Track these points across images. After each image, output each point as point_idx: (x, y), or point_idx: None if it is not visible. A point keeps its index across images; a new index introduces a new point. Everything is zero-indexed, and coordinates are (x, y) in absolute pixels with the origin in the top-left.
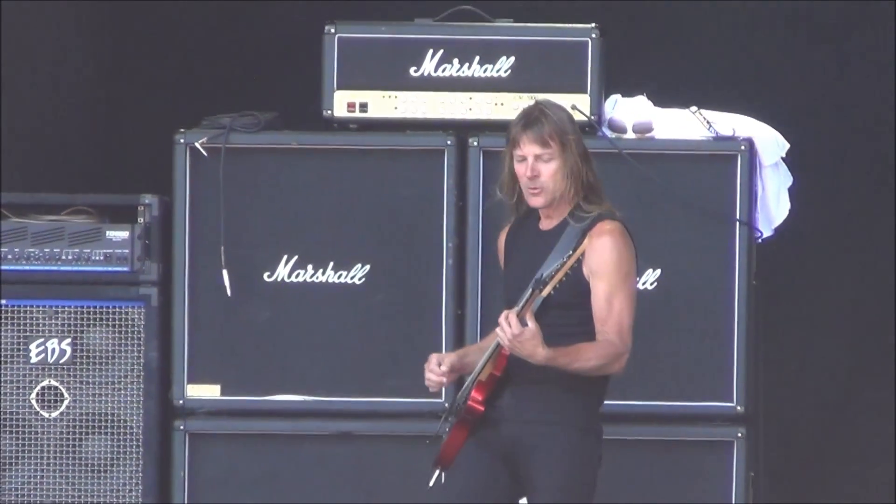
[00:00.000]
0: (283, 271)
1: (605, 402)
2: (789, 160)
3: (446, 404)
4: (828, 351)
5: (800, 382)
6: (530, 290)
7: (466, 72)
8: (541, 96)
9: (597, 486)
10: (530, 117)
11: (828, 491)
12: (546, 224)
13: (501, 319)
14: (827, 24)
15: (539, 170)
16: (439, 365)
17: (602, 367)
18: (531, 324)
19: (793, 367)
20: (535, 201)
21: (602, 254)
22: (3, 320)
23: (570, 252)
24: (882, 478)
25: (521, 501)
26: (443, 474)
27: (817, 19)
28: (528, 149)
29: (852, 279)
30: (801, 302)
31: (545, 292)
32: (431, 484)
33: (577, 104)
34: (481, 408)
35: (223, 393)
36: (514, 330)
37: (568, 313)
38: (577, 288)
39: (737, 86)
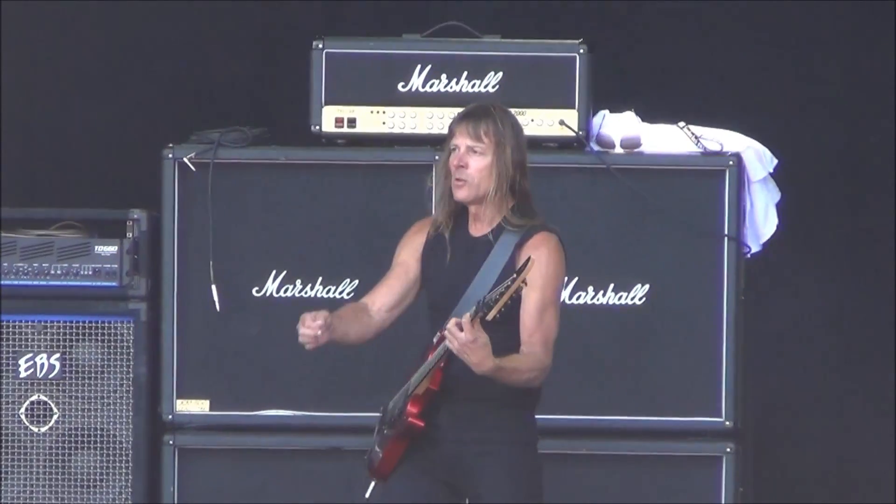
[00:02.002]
0: (271, 286)
1: (593, 416)
2: (777, 175)
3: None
4: (819, 364)
5: (790, 396)
6: (474, 310)
7: (454, 87)
8: (529, 112)
9: (543, 496)
10: (472, 112)
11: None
12: (477, 230)
13: (451, 326)
14: (826, 28)
15: (467, 161)
16: (314, 320)
17: (531, 380)
18: (481, 333)
19: (783, 381)
20: (458, 193)
21: (539, 266)
22: None
23: (515, 276)
24: (881, 485)
25: None
26: (375, 485)
27: (815, 26)
28: (461, 139)
29: (843, 293)
30: (789, 316)
31: (490, 315)
32: (368, 495)
33: (564, 119)
34: (421, 423)
35: (212, 408)
36: (468, 336)
37: (500, 328)
38: (512, 303)
39: (726, 100)
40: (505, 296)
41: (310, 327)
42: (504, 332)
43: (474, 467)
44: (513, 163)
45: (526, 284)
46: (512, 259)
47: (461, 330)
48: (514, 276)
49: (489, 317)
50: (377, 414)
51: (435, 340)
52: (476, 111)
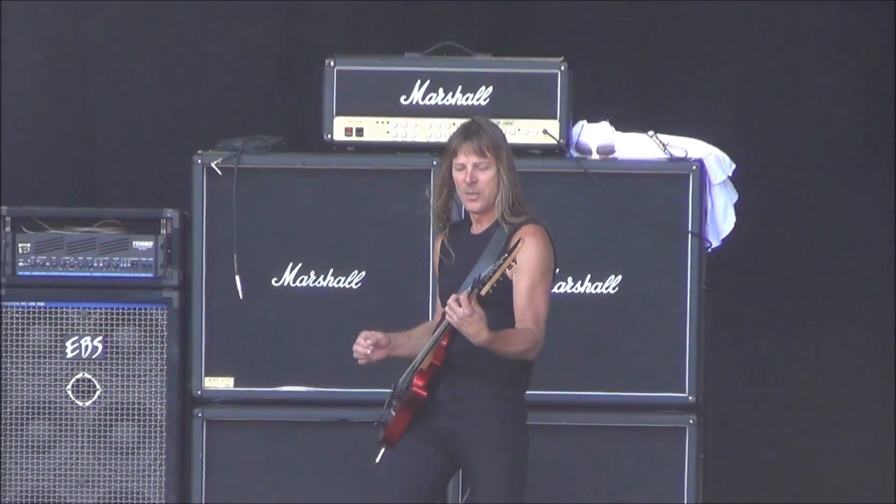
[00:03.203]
0: (288, 277)
1: (572, 392)
2: (735, 178)
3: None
4: (769, 344)
5: (746, 373)
6: (470, 288)
7: (450, 100)
8: (516, 122)
9: (528, 465)
10: (469, 130)
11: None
12: (477, 229)
13: (451, 301)
14: (826, 27)
15: (477, 177)
16: (365, 339)
17: (525, 353)
18: (477, 308)
19: (739, 360)
20: (473, 205)
21: (526, 252)
22: (42, 321)
23: (506, 255)
24: (880, 487)
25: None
26: (384, 452)
27: (815, 24)
28: (468, 158)
29: (791, 282)
30: (746, 302)
31: (484, 291)
32: (377, 460)
33: (547, 129)
34: (424, 393)
35: (236, 384)
36: (465, 310)
37: (493, 309)
38: (502, 284)
39: (691, 111)
40: (497, 272)
41: (360, 345)
42: (499, 313)
43: (467, 437)
44: (509, 166)
45: (515, 262)
46: (504, 249)
47: (459, 305)
48: (505, 255)
49: (483, 292)
50: (382, 389)
51: (439, 321)
52: (473, 129)
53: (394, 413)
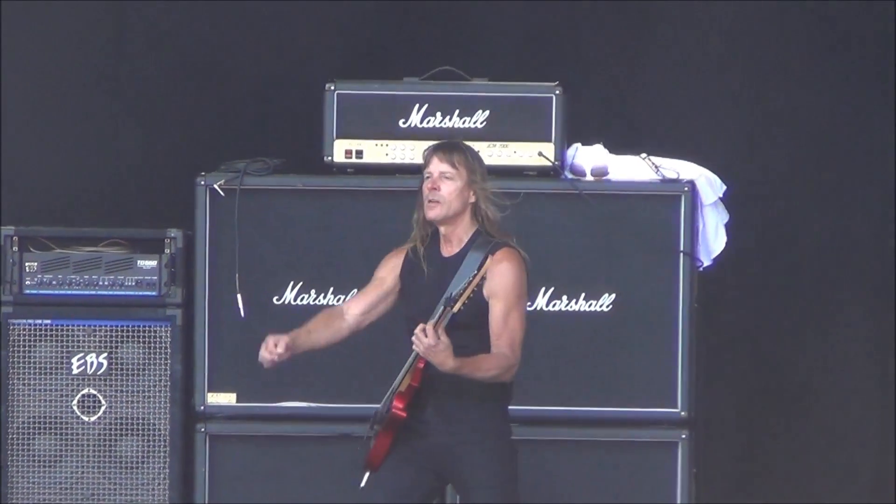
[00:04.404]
0: (289, 295)
1: (566, 407)
2: (726, 199)
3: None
4: (767, 361)
5: (737, 389)
6: (442, 308)
7: (447, 123)
8: (512, 144)
9: (518, 478)
10: (445, 144)
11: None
12: (448, 251)
13: (418, 331)
14: (820, 40)
15: (440, 185)
16: (276, 345)
17: (497, 377)
18: (443, 337)
19: (728, 378)
20: (431, 213)
21: (501, 277)
22: (48, 338)
23: (475, 272)
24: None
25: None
26: (369, 476)
27: (809, 39)
28: (435, 167)
29: (780, 299)
30: (737, 320)
31: (456, 308)
32: (363, 485)
33: (542, 151)
34: (403, 414)
35: (238, 400)
36: (430, 340)
37: (470, 333)
38: (478, 308)
39: (683, 135)
40: (467, 290)
41: (270, 352)
42: (475, 335)
43: (459, 455)
44: (483, 195)
45: (485, 279)
46: (480, 268)
47: (426, 335)
48: (475, 272)
49: (455, 309)
50: (380, 405)
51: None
52: (447, 144)
53: (375, 437)
